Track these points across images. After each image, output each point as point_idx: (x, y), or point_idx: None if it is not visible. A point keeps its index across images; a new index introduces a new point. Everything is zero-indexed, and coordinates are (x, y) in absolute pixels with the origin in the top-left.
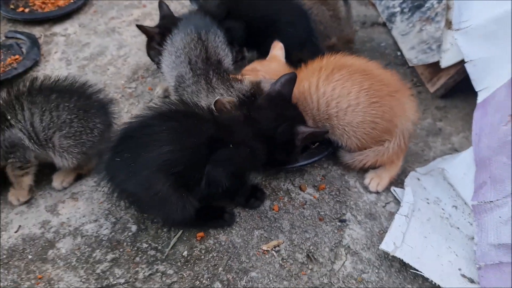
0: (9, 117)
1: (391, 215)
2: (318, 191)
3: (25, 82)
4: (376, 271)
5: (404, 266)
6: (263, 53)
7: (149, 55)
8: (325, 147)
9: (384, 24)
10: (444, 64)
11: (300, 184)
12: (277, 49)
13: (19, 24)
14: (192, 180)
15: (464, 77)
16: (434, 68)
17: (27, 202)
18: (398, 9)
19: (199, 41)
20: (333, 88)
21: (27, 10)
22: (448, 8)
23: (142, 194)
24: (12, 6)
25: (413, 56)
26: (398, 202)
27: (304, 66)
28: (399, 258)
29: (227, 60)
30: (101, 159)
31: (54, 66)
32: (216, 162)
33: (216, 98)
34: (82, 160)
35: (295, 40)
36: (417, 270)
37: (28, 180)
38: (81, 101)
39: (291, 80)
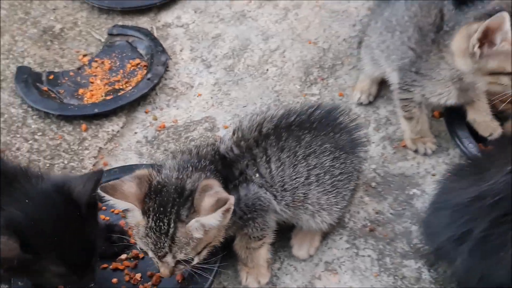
0: (246, 170)
1: None
2: None
3: (272, 120)
4: None
5: None
6: None
7: None
8: None
9: None
10: None
11: None
12: None
13: (116, 16)
14: None
15: None
16: None
17: (269, 283)
18: None
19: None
20: None
21: None
22: None
23: None
24: None
25: None
26: None
27: None
28: None
29: None
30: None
31: (190, 70)
32: None
33: None
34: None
35: None
36: None
37: (265, 253)
38: (337, 136)
39: None
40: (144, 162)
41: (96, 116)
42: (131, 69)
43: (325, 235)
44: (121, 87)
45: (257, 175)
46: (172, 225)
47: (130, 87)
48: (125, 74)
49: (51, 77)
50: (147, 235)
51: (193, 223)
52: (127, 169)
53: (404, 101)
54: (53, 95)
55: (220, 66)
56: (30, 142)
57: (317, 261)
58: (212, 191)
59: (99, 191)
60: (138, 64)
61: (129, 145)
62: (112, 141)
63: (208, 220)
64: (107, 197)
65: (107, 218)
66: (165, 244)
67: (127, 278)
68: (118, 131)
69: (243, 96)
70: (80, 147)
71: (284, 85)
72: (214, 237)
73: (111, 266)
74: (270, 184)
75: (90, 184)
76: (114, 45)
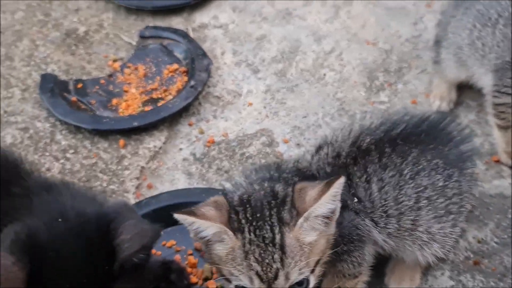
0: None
1: None
2: None
3: (373, 133)
4: None
5: None
6: None
7: None
8: None
9: None
10: None
11: None
12: None
13: (145, 16)
14: None
15: None
16: None
17: None
18: None
19: None
20: None
21: None
22: None
23: None
24: None
25: None
26: None
27: None
28: None
29: None
30: None
31: (235, 76)
32: None
33: None
34: None
35: None
36: None
37: None
38: (446, 150)
39: None
40: (195, 184)
41: (134, 130)
42: (169, 76)
43: (425, 270)
44: (159, 96)
45: (354, 199)
46: (277, 229)
47: (171, 96)
48: (163, 82)
49: (80, 85)
50: (248, 253)
51: (302, 221)
52: (179, 194)
53: (500, 107)
54: (83, 106)
55: (269, 71)
56: (62, 161)
57: None
58: (312, 184)
59: (175, 216)
60: (176, 69)
61: (174, 163)
62: (155, 159)
63: (319, 208)
64: (189, 220)
65: (159, 252)
66: (275, 256)
67: None
68: (160, 147)
69: (301, 105)
70: (119, 167)
71: (346, 91)
72: (324, 249)
73: None
74: (370, 210)
75: (137, 240)
76: (147, 48)
